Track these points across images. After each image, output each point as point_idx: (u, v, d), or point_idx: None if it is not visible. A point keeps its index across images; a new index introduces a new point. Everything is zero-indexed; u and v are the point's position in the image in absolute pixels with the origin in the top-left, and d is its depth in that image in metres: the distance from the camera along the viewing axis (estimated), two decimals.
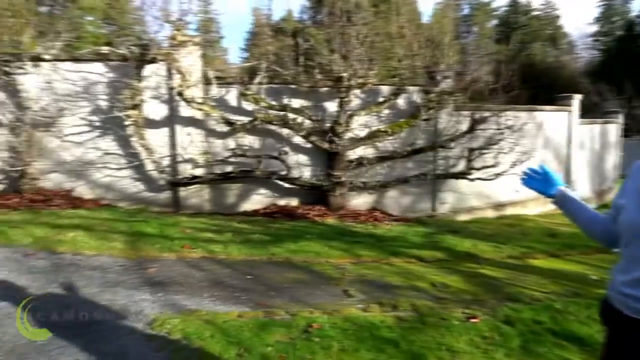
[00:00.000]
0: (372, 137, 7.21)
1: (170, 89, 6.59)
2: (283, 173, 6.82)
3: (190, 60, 6.54)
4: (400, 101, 7.46)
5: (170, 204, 6.91)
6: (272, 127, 6.96)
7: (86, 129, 6.70)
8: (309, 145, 7.07)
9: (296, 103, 6.90)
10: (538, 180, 1.64)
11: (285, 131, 7.03)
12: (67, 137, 6.66)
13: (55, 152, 6.66)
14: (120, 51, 6.38)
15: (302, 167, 7.15)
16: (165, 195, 6.94)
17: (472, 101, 8.56)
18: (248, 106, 6.88)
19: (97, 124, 6.70)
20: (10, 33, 6.33)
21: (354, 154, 7.20)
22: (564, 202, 1.59)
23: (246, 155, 6.69)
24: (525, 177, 1.66)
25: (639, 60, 23.22)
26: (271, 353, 2.73)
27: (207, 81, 6.71)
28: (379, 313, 3.42)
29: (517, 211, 8.94)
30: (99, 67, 6.64)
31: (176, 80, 6.39)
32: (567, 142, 10.07)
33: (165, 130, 6.83)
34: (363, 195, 7.46)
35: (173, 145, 6.81)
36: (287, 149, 7.05)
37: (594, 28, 35.84)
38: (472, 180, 7.37)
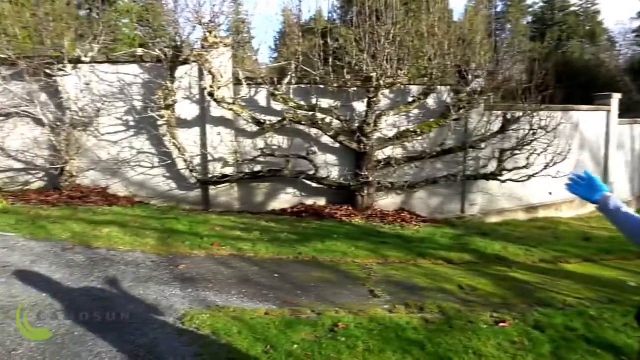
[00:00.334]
0: (400, 137, 7.16)
1: (202, 89, 6.73)
2: (311, 173, 6.86)
3: (222, 61, 6.65)
4: (430, 101, 7.37)
5: (200, 202, 7.06)
6: (301, 127, 7.00)
7: (121, 128, 6.94)
8: (337, 145, 7.08)
9: (325, 103, 6.91)
10: (582, 186, 1.65)
11: (313, 131, 7.06)
12: (104, 137, 6.91)
13: (92, 150, 6.91)
14: (155, 53, 6.54)
15: (330, 167, 7.18)
16: (196, 193, 7.10)
17: (504, 101, 8.37)
18: (277, 106, 6.95)
19: (132, 123, 6.93)
20: (52, 37, 6.59)
21: (382, 154, 7.17)
22: (607, 208, 1.59)
23: (275, 154, 6.77)
24: (570, 182, 1.67)
25: None
26: (297, 351, 2.76)
27: (237, 82, 6.81)
28: (405, 314, 3.40)
29: (549, 214, 8.69)
30: (134, 68, 6.86)
31: (207, 81, 6.50)
32: (605, 143, 9.72)
33: (196, 130, 6.99)
34: (391, 196, 7.41)
35: (204, 144, 6.96)
36: (315, 148, 7.07)
37: (638, 23, 34.34)
38: (503, 181, 7.21)
